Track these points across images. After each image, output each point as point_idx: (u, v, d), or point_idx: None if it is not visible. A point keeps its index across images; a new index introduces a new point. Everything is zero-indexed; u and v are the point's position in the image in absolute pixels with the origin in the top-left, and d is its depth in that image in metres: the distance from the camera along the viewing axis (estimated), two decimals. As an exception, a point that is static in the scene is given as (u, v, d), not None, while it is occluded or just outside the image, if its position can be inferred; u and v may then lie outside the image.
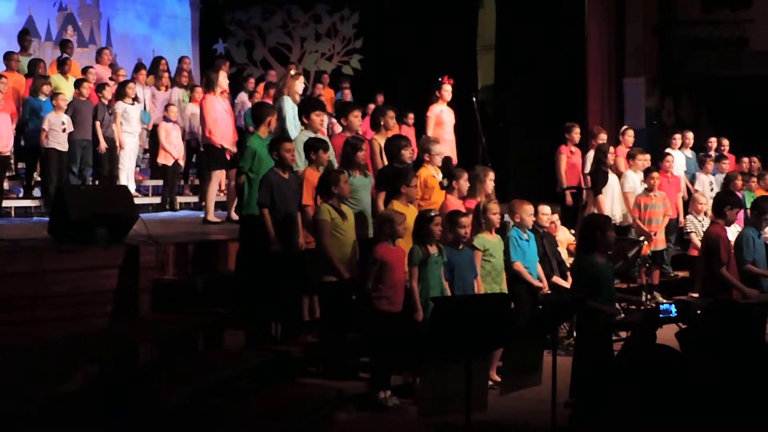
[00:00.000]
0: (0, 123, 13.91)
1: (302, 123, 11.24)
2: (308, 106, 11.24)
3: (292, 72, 12.95)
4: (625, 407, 8.92)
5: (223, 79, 12.85)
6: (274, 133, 11.26)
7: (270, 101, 15.69)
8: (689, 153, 17.08)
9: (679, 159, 16.31)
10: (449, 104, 13.70)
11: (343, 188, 9.68)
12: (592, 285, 9.01)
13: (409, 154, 10.85)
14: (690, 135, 17.17)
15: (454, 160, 13.57)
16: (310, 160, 10.30)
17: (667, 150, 16.23)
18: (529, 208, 10.97)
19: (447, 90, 13.56)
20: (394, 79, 20.53)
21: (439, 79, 13.68)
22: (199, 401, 8.45)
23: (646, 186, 14.32)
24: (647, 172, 14.40)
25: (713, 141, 17.42)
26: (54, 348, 8.65)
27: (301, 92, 12.40)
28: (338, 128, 12.04)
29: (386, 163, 11.02)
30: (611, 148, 14.71)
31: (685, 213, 15.12)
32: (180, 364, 9.26)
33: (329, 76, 21.08)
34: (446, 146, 13.32)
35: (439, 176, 11.11)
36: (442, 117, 13.53)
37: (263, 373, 9.46)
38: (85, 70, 16.39)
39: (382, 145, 11.22)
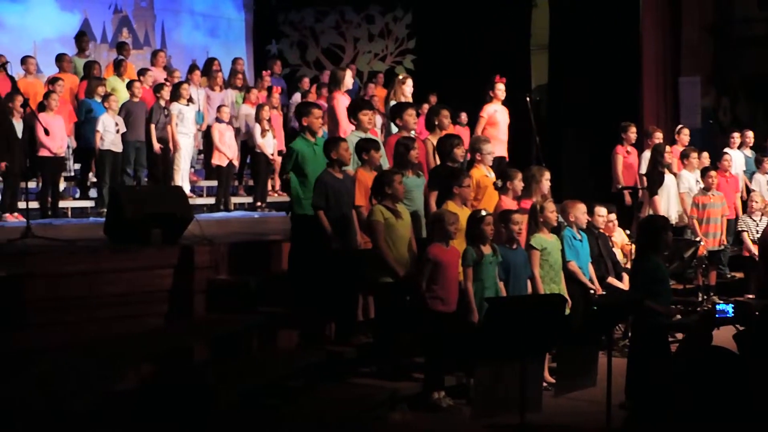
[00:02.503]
0: (55, 125, 13.99)
1: (352, 124, 11.24)
2: (355, 106, 11.24)
3: (400, 77, 13.07)
4: (680, 409, 8.85)
5: (348, 79, 12.73)
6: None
7: (323, 102, 15.74)
8: (749, 152, 16.88)
9: (737, 158, 16.16)
10: (503, 104, 13.64)
11: (397, 189, 9.63)
12: (652, 286, 8.94)
13: (461, 152, 10.81)
14: (750, 134, 16.98)
15: (507, 160, 13.51)
16: (362, 160, 10.28)
17: (726, 149, 16.08)
18: (581, 207, 10.91)
19: (500, 89, 13.51)
20: (448, 80, 20.46)
21: (492, 79, 13.64)
22: (253, 401, 8.46)
23: (702, 185, 14.21)
24: (705, 171, 14.28)
25: (774, 140, 17.23)
26: (109, 347, 8.71)
27: (410, 94, 12.49)
28: (393, 128, 12.02)
29: (439, 162, 10.99)
30: (667, 147, 14.58)
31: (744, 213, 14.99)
32: (234, 363, 9.29)
33: (383, 75, 21.06)
34: (499, 146, 13.29)
35: (491, 175, 11.06)
36: (495, 117, 13.48)
37: (317, 374, 9.46)
38: (143, 72, 16.51)
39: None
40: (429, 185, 10.57)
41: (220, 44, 22.58)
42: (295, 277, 10.36)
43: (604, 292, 10.97)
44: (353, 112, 11.09)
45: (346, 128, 11.73)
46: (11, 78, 14.98)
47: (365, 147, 10.25)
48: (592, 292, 10.72)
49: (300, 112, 10.95)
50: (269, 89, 17.92)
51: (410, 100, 12.50)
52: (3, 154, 13.55)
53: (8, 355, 8.31)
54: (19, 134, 13.67)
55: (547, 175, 11.02)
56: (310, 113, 10.71)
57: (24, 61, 15.84)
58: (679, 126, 16.43)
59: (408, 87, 12.55)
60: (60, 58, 16.24)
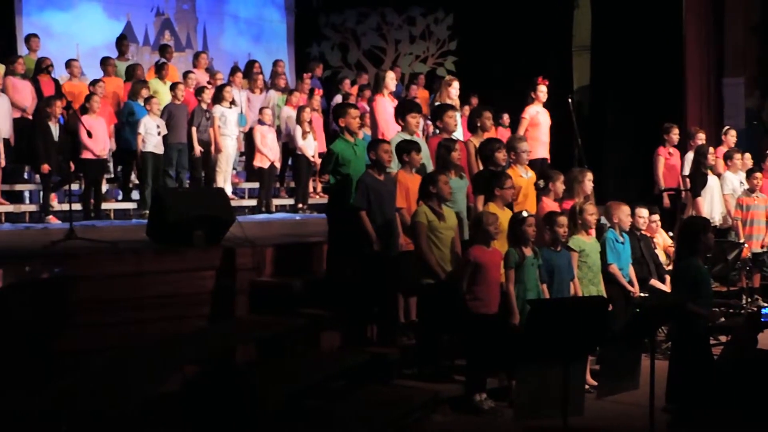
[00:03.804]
0: (97, 127, 14.06)
1: (399, 125, 11.21)
2: (403, 108, 11.21)
3: (447, 79, 13.05)
4: (723, 412, 8.78)
5: (390, 81, 12.71)
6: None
7: (364, 103, 15.77)
8: (794, 154, 16.74)
9: (781, 160, 16.02)
10: (545, 106, 13.60)
11: (442, 189, 9.63)
12: (693, 288, 8.89)
13: (502, 156, 10.77)
14: (795, 135, 16.87)
15: (548, 162, 13.47)
16: (402, 162, 10.28)
17: (769, 151, 15.96)
18: (626, 209, 10.89)
19: (542, 91, 13.46)
20: (489, 81, 20.42)
21: (534, 80, 13.60)
22: (296, 402, 8.48)
23: (747, 186, 14.11)
24: (750, 173, 14.18)
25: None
26: (153, 349, 8.75)
27: (456, 96, 12.49)
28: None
29: (481, 166, 10.97)
30: (711, 149, 14.49)
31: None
32: (276, 365, 9.31)
33: (424, 77, 21.05)
34: (541, 148, 13.25)
35: (527, 176, 11.02)
36: (537, 118, 13.43)
37: (359, 375, 9.46)
38: (186, 75, 16.59)
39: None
40: (474, 189, 10.56)
41: (262, 47, 22.63)
42: (332, 276, 10.36)
43: (643, 294, 10.93)
44: (401, 113, 11.06)
45: (385, 131, 11.72)
46: (55, 81, 15.17)
47: (406, 148, 10.26)
48: (631, 294, 10.69)
49: (337, 114, 10.95)
50: (311, 91, 17.95)
51: (456, 102, 12.46)
52: (42, 157, 13.67)
53: (53, 356, 8.38)
54: (56, 137, 13.78)
55: (590, 176, 11.00)
56: (346, 114, 10.70)
57: (68, 64, 15.97)
58: (726, 127, 16.33)
59: (454, 89, 12.51)
60: (105, 62, 16.35)
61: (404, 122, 10.96)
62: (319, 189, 17.53)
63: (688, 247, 9.15)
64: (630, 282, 10.82)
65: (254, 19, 23.04)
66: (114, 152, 16.00)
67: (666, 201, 14.40)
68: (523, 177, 10.93)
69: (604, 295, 10.00)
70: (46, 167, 13.70)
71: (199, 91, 15.75)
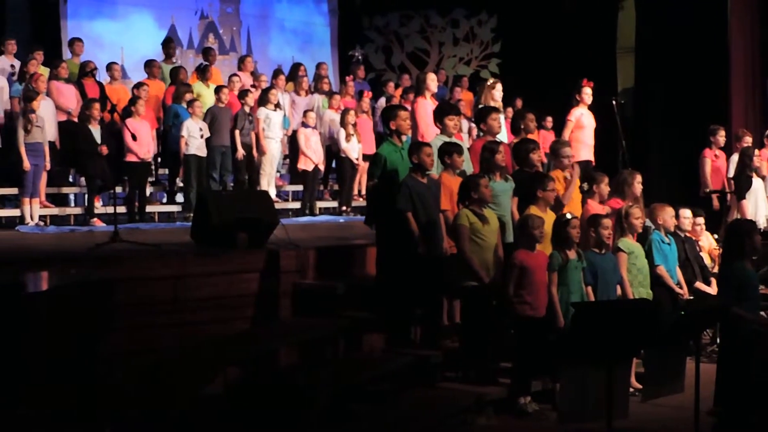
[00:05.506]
0: (141, 130, 14.15)
1: (437, 128, 11.19)
2: (441, 111, 11.18)
3: (490, 81, 13.01)
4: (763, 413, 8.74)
5: (431, 82, 12.68)
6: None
7: (408, 105, 15.74)
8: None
9: (826, 162, 15.87)
10: (589, 108, 13.55)
11: (484, 192, 9.60)
12: (740, 291, 8.82)
13: (537, 157, 10.70)
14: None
15: (593, 164, 13.42)
16: (444, 164, 10.25)
17: (814, 153, 15.82)
18: (670, 211, 10.85)
19: (587, 93, 13.40)
20: (533, 83, 20.38)
21: (579, 82, 13.55)
22: (339, 404, 8.48)
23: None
24: (793, 175, 14.10)
25: None
26: (197, 351, 8.78)
27: (499, 99, 12.48)
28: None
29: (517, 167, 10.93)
30: (756, 151, 14.39)
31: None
32: (320, 367, 9.32)
33: (468, 79, 21.02)
34: (586, 150, 13.20)
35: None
36: (582, 120, 13.38)
37: (403, 378, 9.46)
38: (230, 78, 16.66)
39: (523, 149, 11.14)
40: (510, 191, 10.53)
41: (306, 50, 22.69)
42: (382, 280, 10.34)
43: (691, 297, 10.86)
44: (439, 116, 11.04)
45: (424, 133, 11.71)
46: (99, 84, 15.28)
47: (447, 150, 10.23)
48: (679, 296, 10.63)
49: (387, 116, 10.91)
50: (360, 93, 17.98)
51: (499, 105, 12.44)
52: (86, 161, 13.76)
53: (97, 358, 8.42)
54: (97, 140, 13.86)
55: (639, 178, 10.96)
56: (396, 116, 10.62)
57: (109, 67, 16.11)
58: (768, 130, 16.22)
59: (498, 92, 12.49)
60: (149, 64, 16.45)
61: (442, 125, 10.93)
62: (363, 192, 17.54)
63: (734, 250, 9.10)
64: (678, 284, 10.76)
65: (299, 23, 23.09)
66: (161, 155, 16.11)
67: (716, 203, 14.30)
68: (566, 181, 10.88)
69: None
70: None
71: (243, 94, 15.80)
